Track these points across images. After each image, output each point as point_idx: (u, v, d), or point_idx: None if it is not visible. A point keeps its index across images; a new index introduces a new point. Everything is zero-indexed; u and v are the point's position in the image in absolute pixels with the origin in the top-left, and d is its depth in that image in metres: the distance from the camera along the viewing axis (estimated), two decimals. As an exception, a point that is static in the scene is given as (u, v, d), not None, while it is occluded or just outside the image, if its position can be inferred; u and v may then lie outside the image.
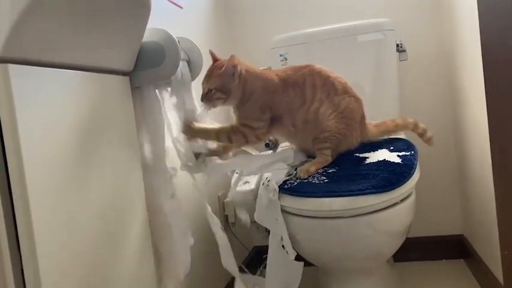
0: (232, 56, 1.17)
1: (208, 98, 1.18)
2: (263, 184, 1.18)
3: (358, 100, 1.31)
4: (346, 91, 1.29)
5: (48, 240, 0.63)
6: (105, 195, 0.81)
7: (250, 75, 1.22)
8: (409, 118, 1.41)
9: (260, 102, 1.22)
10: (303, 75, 1.27)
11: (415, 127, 1.39)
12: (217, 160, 1.24)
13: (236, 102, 1.22)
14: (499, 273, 1.37)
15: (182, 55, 1.10)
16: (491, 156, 0.83)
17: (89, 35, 0.78)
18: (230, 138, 1.20)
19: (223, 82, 1.18)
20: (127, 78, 0.97)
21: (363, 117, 1.33)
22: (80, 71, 0.77)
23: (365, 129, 1.34)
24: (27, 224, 0.60)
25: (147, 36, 0.99)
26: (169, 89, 1.09)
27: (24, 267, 0.61)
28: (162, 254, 1.02)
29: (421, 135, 1.38)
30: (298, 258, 1.12)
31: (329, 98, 1.25)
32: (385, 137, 1.40)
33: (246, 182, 1.45)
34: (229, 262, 1.17)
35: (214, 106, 1.20)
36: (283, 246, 1.14)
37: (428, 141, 1.37)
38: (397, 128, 1.39)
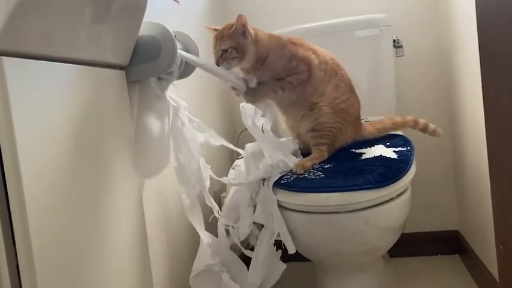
0: (240, 16, 1.18)
1: (224, 58, 1.19)
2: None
3: (356, 98, 1.33)
4: (348, 85, 1.32)
5: (44, 235, 0.63)
6: (101, 190, 0.81)
7: (260, 34, 1.25)
8: (408, 116, 1.41)
9: (280, 57, 1.24)
10: (314, 46, 1.32)
11: (415, 124, 1.38)
12: None
13: (251, 62, 1.23)
14: (493, 269, 1.38)
15: (180, 47, 1.10)
16: (488, 152, 0.83)
17: (84, 29, 0.77)
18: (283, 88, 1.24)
19: (237, 41, 1.19)
20: (123, 72, 0.96)
21: (358, 116, 1.33)
22: (75, 65, 0.77)
23: (360, 128, 1.34)
24: (22, 219, 0.60)
25: (144, 30, 0.98)
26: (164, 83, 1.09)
27: (19, 265, 0.61)
28: None
29: (424, 130, 1.37)
30: (296, 253, 1.12)
31: (336, 79, 1.29)
32: (383, 134, 1.40)
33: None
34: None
35: (230, 66, 1.21)
36: (274, 243, 1.15)
37: (434, 133, 1.36)
38: (396, 125, 1.39)
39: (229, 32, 1.20)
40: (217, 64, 1.20)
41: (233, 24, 1.20)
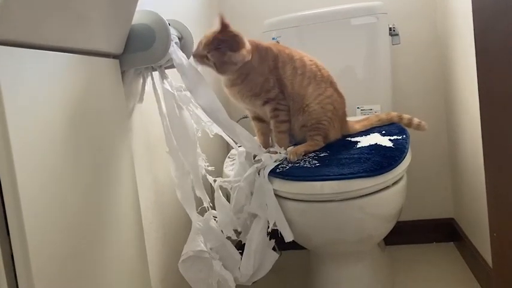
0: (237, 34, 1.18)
1: (202, 61, 1.17)
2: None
3: (341, 96, 1.32)
4: (331, 82, 1.31)
5: (38, 226, 0.63)
6: (96, 181, 0.80)
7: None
8: (392, 112, 1.42)
9: (260, 74, 1.23)
10: (292, 52, 1.29)
11: (399, 119, 1.39)
12: None
13: (233, 75, 1.22)
14: (488, 256, 1.39)
15: (175, 33, 1.09)
16: (482, 141, 0.83)
17: (77, 17, 0.76)
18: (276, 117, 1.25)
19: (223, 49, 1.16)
20: (117, 61, 0.95)
21: (344, 113, 1.33)
22: (67, 53, 0.76)
23: (346, 125, 1.34)
24: (17, 210, 0.60)
25: (137, 19, 0.97)
26: (156, 73, 1.08)
27: (14, 257, 0.60)
28: None
29: (409, 125, 1.37)
30: (291, 242, 1.12)
31: (316, 80, 1.27)
32: None
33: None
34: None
35: (204, 66, 1.19)
36: (268, 232, 1.15)
37: (418, 127, 1.36)
38: (381, 122, 1.40)
39: (220, 37, 1.17)
40: (194, 56, 1.17)
41: (227, 30, 1.18)
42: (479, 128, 0.84)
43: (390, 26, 1.69)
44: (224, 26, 1.17)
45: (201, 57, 1.17)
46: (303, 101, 1.25)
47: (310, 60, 1.30)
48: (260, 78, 1.23)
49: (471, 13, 0.84)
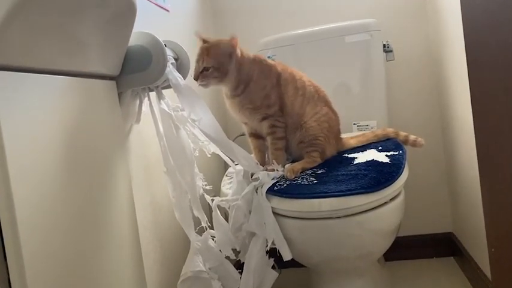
0: (232, 38, 1.19)
1: (204, 75, 1.18)
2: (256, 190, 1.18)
3: (335, 114, 1.34)
4: (326, 101, 1.33)
5: (34, 246, 0.63)
6: (94, 201, 0.80)
7: (245, 58, 1.24)
8: (388, 128, 1.43)
9: (262, 88, 1.25)
10: (293, 71, 1.32)
11: (396, 135, 1.39)
12: None
13: (231, 86, 1.23)
14: (488, 270, 1.38)
15: (172, 54, 1.10)
16: (477, 156, 0.84)
17: (73, 41, 0.77)
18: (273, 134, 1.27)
19: (221, 61, 1.18)
20: (113, 82, 0.96)
21: (338, 130, 1.34)
22: (64, 76, 0.76)
23: (341, 142, 1.35)
24: (14, 233, 0.59)
25: (134, 40, 0.98)
26: (153, 94, 1.09)
27: (10, 272, 0.60)
28: None
29: (405, 142, 1.38)
30: (290, 260, 1.12)
31: (314, 100, 1.29)
32: None
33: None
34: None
35: (208, 85, 1.20)
36: (267, 251, 1.14)
37: (415, 144, 1.36)
38: (377, 138, 1.40)
39: (216, 50, 1.19)
40: (195, 79, 1.20)
41: (222, 43, 1.20)
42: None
43: (384, 43, 1.71)
44: (204, 40, 1.22)
45: (203, 76, 1.18)
46: (301, 119, 1.27)
47: (309, 81, 1.32)
48: (261, 92, 1.24)
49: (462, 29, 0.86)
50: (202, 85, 1.19)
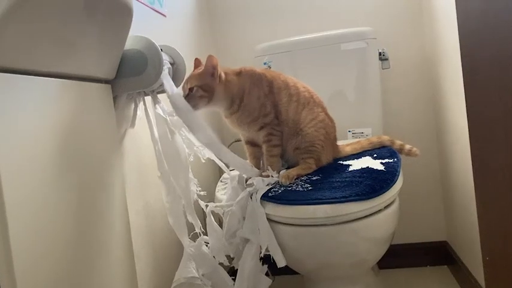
0: (210, 57, 1.19)
1: (190, 97, 1.18)
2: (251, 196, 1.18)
3: (331, 120, 1.34)
4: (322, 108, 1.33)
5: (25, 250, 0.62)
6: (87, 206, 0.80)
7: (230, 76, 1.25)
8: (383, 135, 1.43)
9: (256, 98, 1.25)
10: (286, 78, 1.31)
11: (391, 144, 1.39)
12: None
13: (224, 103, 1.23)
14: (482, 279, 1.38)
15: (168, 59, 1.10)
16: (472, 165, 0.84)
17: (68, 43, 0.77)
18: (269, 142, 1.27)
19: (204, 80, 1.19)
20: (109, 86, 0.95)
21: (334, 137, 1.34)
22: (59, 79, 0.76)
23: (337, 149, 1.35)
24: (4, 236, 0.59)
25: (130, 44, 0.98)
26: (148, 98, 1.08)
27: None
28: None
29: (400, 151, 1.38)
30: (284, 266, 1.11)
31: (309, 106, 1.28)
32: None
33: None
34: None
35: (198, 106, 1.19)
36: (261, 258, 1.14)
37: (410, 153, 1.37)
38: (372, 145, 1.40)
39: (198, 72, 1.21)
40: (185, 97, 1.20)
41: (202, 65, 1.22)
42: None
43: (380, 51, 1.72)
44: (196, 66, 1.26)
45: (189, 97, 1.18)
46: (298, 125, 1.26)
47: (304, 87, 1.32)
48: (256, 102, 1.24)
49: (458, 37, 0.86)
50: (192, 107, 1.19)
